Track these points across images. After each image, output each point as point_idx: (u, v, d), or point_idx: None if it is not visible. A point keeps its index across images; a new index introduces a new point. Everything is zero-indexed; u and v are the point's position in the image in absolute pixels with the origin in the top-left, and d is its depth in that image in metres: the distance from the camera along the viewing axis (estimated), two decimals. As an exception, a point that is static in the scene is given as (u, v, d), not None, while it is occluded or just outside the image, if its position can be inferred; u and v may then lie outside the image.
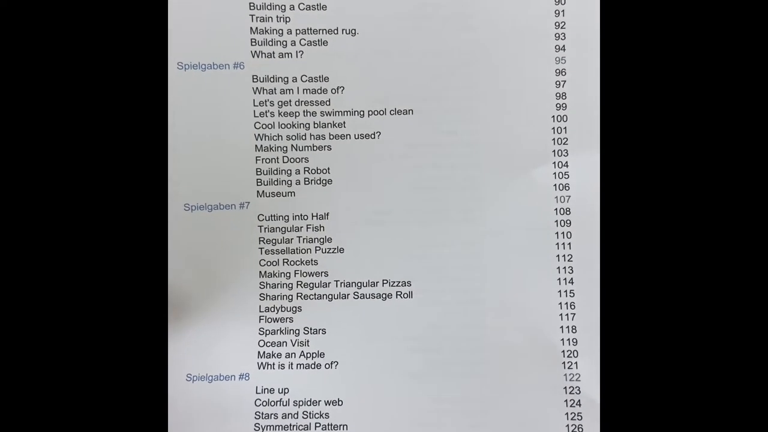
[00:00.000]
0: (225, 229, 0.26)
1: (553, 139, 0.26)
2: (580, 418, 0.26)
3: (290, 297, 0.26)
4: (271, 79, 0.26)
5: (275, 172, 0.26)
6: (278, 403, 0.26)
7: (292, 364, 0.26)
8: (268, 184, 0.26)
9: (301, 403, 0.26)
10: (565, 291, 0.26)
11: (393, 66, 0.26)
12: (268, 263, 0.26)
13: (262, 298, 0.26)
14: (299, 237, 0.27)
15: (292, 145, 0.26)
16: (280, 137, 0.26)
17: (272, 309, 0.26)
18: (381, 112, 0.26)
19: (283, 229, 0.27)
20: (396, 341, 0.26)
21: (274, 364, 0.26)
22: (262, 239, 0.26)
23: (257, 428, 0.26)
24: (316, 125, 0.26)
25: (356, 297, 0.26)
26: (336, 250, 0.27)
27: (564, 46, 0.26)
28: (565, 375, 0.26)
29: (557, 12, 0.26)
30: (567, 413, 0.26)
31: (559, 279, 0.26)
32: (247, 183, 0.26)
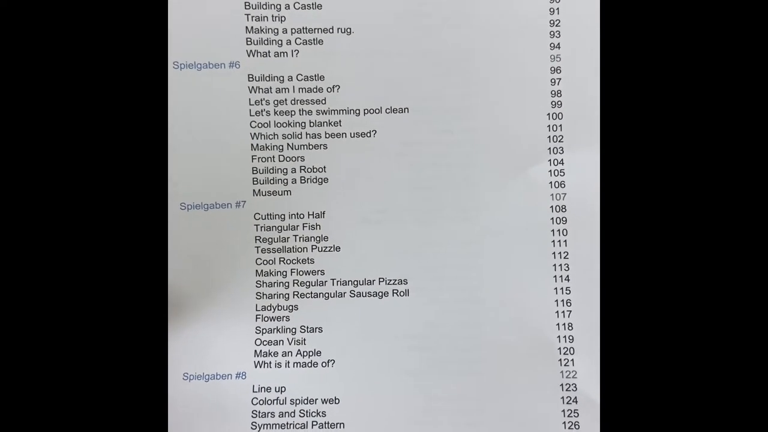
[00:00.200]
0: (221, 228, 0.26)
1: (549, 137, 0.26)
2: (576, 415, 0.26)
3: (287, 296, 0.26)
4: (267, 78, 0.26)
5: (271, 170, 0.26)
6: (275, 401, 0.26)
7: (288, 362, 0.26)
8: (264, 182, 0.26)
9: (297, 401, 0.26)
10: (562, 288, 0.26)
11: (388, 65, 0.26)
12: (265, 262, 0.26)
13: (258, 297, 0.26)
14: (295, 236, 0.27)
15: (288, 144, 0.26)
16: (276, 136, 0.26)
17: (269, 308, 0.26)
18: (377, 111, 0.26)
19: (280, 228, 0.27)
20: (393, 340, 0.26)
21: (270, 362, 0.26)
22: (258, 238, 0.26)
23: (254, 427, 0.26)
24: (311, 124, 0.27)
25: (353, 295, 0.26)
26: (332, 249, 0.27)
27: (559, 44, 0.26)
28: (562, 372, 0.26)
29: (552, 10, 0.26)
30: (564, 410, 0.26)
31: (555, 276, 0.26)
32: (244, 182, 0.26)
